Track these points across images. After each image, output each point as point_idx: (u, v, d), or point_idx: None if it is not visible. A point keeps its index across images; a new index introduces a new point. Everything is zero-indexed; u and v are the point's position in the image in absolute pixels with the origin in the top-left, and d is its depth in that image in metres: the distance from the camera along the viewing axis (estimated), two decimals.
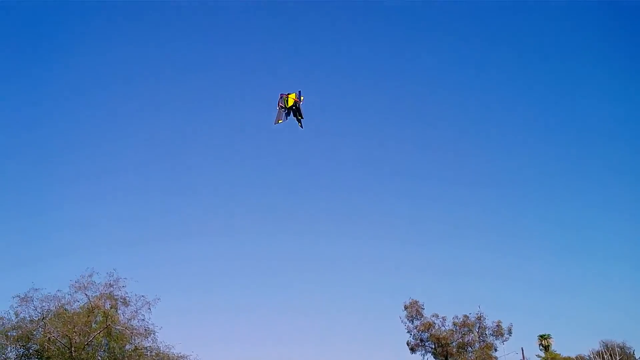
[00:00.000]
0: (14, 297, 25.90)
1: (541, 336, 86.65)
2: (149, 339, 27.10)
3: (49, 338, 25.17)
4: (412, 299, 45.03)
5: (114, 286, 26.49)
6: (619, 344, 55.87)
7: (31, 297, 25.80)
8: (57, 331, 25.07)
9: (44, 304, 25.90)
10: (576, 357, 53.63)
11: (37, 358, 26.90)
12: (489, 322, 44.38)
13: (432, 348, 44.56)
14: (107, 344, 27.46)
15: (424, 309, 44.70)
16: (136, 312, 26.85)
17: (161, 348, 27.16)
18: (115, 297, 26.66)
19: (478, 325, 44.27)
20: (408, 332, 44.93)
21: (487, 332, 44.25)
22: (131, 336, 26.98)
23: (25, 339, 25.22)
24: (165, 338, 28.85)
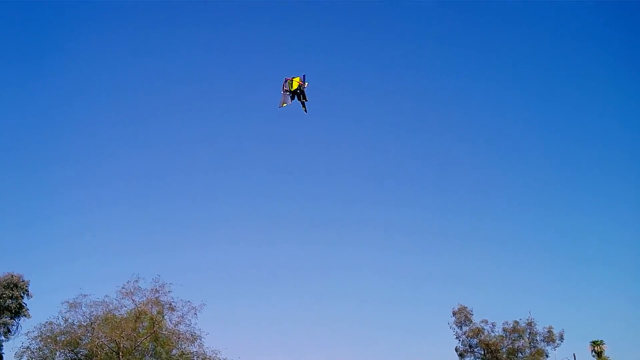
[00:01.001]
0: (63, 303, 26.30)
1: (594, 342, 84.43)
2: (196, 344, 27.21)
3: (97, 343, 25.41)
4: (461, 305, 44.29)
5: (160, 292, 26.65)
6: None
7: (80, 302, 26.16)
8: (105, 336, 25.32)
9: (92, 310, 26.23)
10: None
11: None
12: (539, 328, 43.32)
13: (481, 354, 43.70)
14: (154, 349, 27.64)
15: (472, 314, 43.90)
16: (182, 317, 26.96)
17: (207, 353, 27.17)
18: (162, 302, 26.77)
19: (529, 330, 43.26)
20: (457, 337, 44.18)
21: (537, 338, 43.18)
22: (178, 341, 27.09)
23: (74, 343, 25.53)
24: (212, 344, 28.85)
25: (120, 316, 26.23)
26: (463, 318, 43.68)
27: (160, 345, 27.18)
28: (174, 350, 27.30)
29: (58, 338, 25.46)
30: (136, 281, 26.45)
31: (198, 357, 27.09)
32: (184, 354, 27.12)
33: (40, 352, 25.64)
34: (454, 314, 43.95)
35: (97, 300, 26.38)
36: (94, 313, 26.07)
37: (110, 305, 26.39)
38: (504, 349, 42.93)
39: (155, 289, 26.56)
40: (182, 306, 26.80)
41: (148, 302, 26.46)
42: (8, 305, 53.76)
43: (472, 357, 44.02)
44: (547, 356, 43.19)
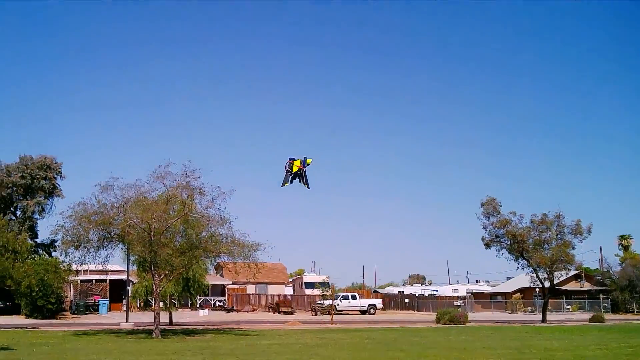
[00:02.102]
0: (95, 186, 26.69)
1: (621, 236, 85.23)
2: (225, 227, 27.61)
3: (129, 223, 26.04)
4: (490, 196, 44.40)
5: (190, 177, 26.72)
6: None
7: (112, 185, 26.45)
8: (137, 217, 25.85)
9: (124, 192, 26.56)
10: None
11: (118, 241, 28.09)
12: (567, 221, 43.36)
13: (507, 244, 44.13)
14: (184, 231, 28.28)
15: (501, 206, 44.03)
16: (212, 201, 27.21)
17: (236, 236, 27.70)
18: (192, 187, 26.96)
19: (556, 223, 43.28)
20: (484, 228, 44.56)
21: (565, 231, 43.29)
22: (207, 224, 27.57)
23: (106, 223, 26.10)
24: (241, 227, 29.40)
25: (151, 199, 26.65)
26: (491, 209, 43.81)
27: (191, 227, 27.77)
28: (203, 232, 27.86)
29: (91, 218, 26.03)
30: (167, 166, 26.60)
31: (227, 238, 27.60)
32: (213, 235, 27.65)
33: (75, 231, 26.33)
34: (483, 205, 44.08)
35: (129, 183, 26.74)
36: (126, 195, 26.47)
37: (142, 189, 26.71)
38: (530, 240, 43.21)
39: (186, 174, 26.68)
40: (212, 191, 27.05)
41: (178, 187, 26.73)
42: (42, 186, 55.57)
43: (499, 247, 44.54)
44: (573, 248, 43.38)
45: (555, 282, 46.15)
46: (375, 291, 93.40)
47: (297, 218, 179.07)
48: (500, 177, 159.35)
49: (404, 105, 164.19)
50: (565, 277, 52.89)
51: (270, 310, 62.99)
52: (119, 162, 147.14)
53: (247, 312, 61.75)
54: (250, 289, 70.53)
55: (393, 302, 77.11)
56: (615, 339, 25.10)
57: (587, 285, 72.34)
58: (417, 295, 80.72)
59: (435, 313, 43.94)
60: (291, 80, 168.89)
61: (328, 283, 69.73)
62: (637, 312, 66.65)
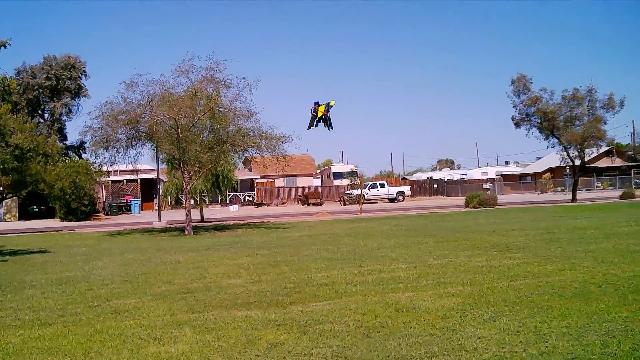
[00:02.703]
0: (120, 84, 26.43)
1: None
2: (252, 120, 27.33)
3: (156, 120, 25.92)
4: (520, 73, 43.27)
5: (215, 69, 26.16)
6: None
7: (136, 82, 26.11)
8: (163, 114, 25.66)
9: (149, 89, 26.24)
10: None
11: (145, 139, 28.12)
12: (600, 95, 42.33)
13: (537, 122, 43.48)
14: (211, 126, 28.09)
15: (531, 83, 43.00)
16: (238, 94, 26.73)
17: (263, 128, 27.47)
18: (217, 80, 26.49)
19: (588, 98, 42.30)
20: (514, 107, 43.84)
21: (597, 105, 42.36)
22: (234, 118, 27.27)
23: (133, 121, 25.99)
24: (268, 120, 29.16)
25: (177, 94, 26.37)
26: (521, 87, 42.88)
27: (217, 122, 27.48)
28: (230, 127, 27.59)
29: (118, 117, 25.92)
30: (190, 59, 26.04)
31: (254, 132, 27.40)
32: (240, 129, 27.42)
33: (103, 131, 26.30)
34: (512, 82, 43.13)
35: (154, 79, 26.37)
36: (151, 92, 26.15)
37: (167, 84, 26.32)
38: (561, 117, 42.49)
39: (210, 67, 26.11)
40: (237, 83, 26.54)
41: (203, 80, 26.26)
42: (67, 86, 55.58)
43: (529, 126, 43.95)
44: (605, 123, 42.67)
45: (586, 160, 45.75)
46: (403, 178, 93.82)
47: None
48: (531, 55, 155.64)
49: None
50: (596, 154, 52.54)
51: (299, 202, 63.78)
52: (143, 58, 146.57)
53: (277, 205, 62.68)
54: (279, 182, 71.25)
55: (422, 188, 77.48)
56: None
57: (618, 161, 71.75)
58: (445, 180, 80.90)
59: (465, 197, 44.13)
60: None
61: (356, 172, 69.90)
62: None
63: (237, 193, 64.58)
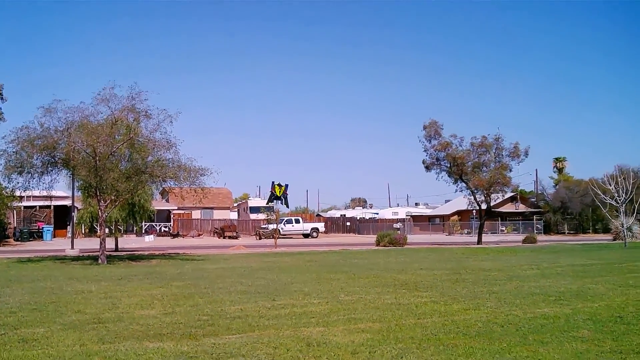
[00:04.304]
0: (38, 108, 25.91)
1: (556, 159, 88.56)
2: (171, 152, 27.33)
3: (73, 147, 25.53)
4: (432, 119, 45.25)
5: (136, 99, 26.15)
6: (633, 169, 56.57)
7: (55, 108, 25.65)
8: (81, 141, 25.33)
9: (67, 115, 25.81)
10: (589, 180, 54.51)
11: (62, 166, 27.58)
12: (506, 144, 44.81)
13: (447, 167, 45.39)
14: (130, 155, 27.89)
15: (442, 129, 45.01)
16: (158, 125, 26.75)
17: (182, 160, 27.53)
18: (138, 110, 26.43)
19: (495, 146, 44.70)
20: (425, 151, 45.64)
21: (503, 153, 44.79)
22: (153, 148, 27.20)
23: (50, 148, 25.52)
24: (187, 152, 29.30)
25: (96, 122, 26.11)
26: (433, 132, 44.76)
27: (136, 152, 27.32)
28: (149, 157, 27.49)
29: (35, 142, 25.38)
30: (112, 88, 25.94)
31: (173, 163, 27.43)
32: (159, 160, 27.36)
33: (18, 156, 25.71)
34: (425, 127, 44.94)
35: (73, 106, 26.00)
36: (70, 118, 25.75)
37: (86, 112, 25.99)
38: (469, 163, 44.56)
39: (132, 96, 26.04)
40: (158, 114, 26.59)
41: (124, 109, 26.12)
42: None
43: (439, 170, 45.78)
44: (510, 170, 45.13)
45: (491, 204, 48.07)
46: (318, 215, 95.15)
47: (244, 141, 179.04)
48: (442, 100, 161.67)
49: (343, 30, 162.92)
50: (501, 200, 55.07)
51: (216, 235, 63.70)
52: (62, 84, 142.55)
53: (193, 237, 62.32)
54: (196, 214, 70.92)
55: (335, 225, 78.89)
56: (546, 259, 26.50)
57: (522, 207, 75.38)
58: (358, 218, 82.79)
59: (376, 236, 45.31)
60: None
61: (272, 207, 70.59)
62: (568, 233, 70.17)
63: (153, 223, 63.76)
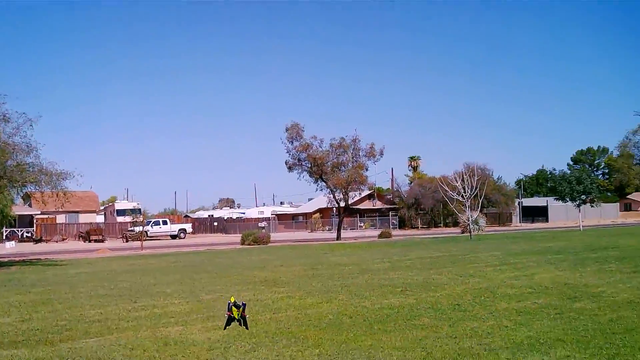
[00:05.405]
0: None
1: (411, 158, 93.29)
2: (31, 156, 26.38)
3: None
4: (294, 122, 46.56)
5: None
6: (479, 166, 61.19)
7: None
8: None
9: None
10: (440, 177, 57.99)
11: None
12: (363, 145, 46.98)
13: (308, 167, 46.82)
14: None
15: (304, 131, 46.42)
16: (17, 129, 25.77)
17: (44, 164, 26.64)
18: None
19: (353, 147, 46.73)
20: (287, 152, 46.85)
21: (360, 154, 46.91)
22: (13, 152, 26.12)
23: None
24: (49, 156, 28.33)
25: None
26: (295, 134, 46.03)
27: None
28: (9, 162, 26.25)
29: None
30: None
31: (34, 167, 26.48)
32: (19, 164, 26.29)
33: None
34: (287, 130, 46.16)
35: None
36: None
37: None
38: (329, 163, 46.29)
39: None
40: (18, 117, 25.61)
41: None
42: None
43: (300, 170, 47.13)
44: (367, 169, 47.57)
45: (350, 202, 50.13)
46: (186, 216, 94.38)
47: (110, 145, 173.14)
48: (306, 101, 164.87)
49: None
50: (359, 197, 57.41)
51: (81, 239, 61.83)
52: None
53: (57, 242, 60.15)
54: (61, 219, 68.47)
55: (203, 226, 78.77)
56: (397, 253, 28.07)
57: (379, 204, 78.76)
58: (225, 218, 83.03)
59: (241, 235, 45.91)
60: None
61: (140, 210, 69.67)
62: (421, 227, 74.18)
63: (14, 229, 60.65)
